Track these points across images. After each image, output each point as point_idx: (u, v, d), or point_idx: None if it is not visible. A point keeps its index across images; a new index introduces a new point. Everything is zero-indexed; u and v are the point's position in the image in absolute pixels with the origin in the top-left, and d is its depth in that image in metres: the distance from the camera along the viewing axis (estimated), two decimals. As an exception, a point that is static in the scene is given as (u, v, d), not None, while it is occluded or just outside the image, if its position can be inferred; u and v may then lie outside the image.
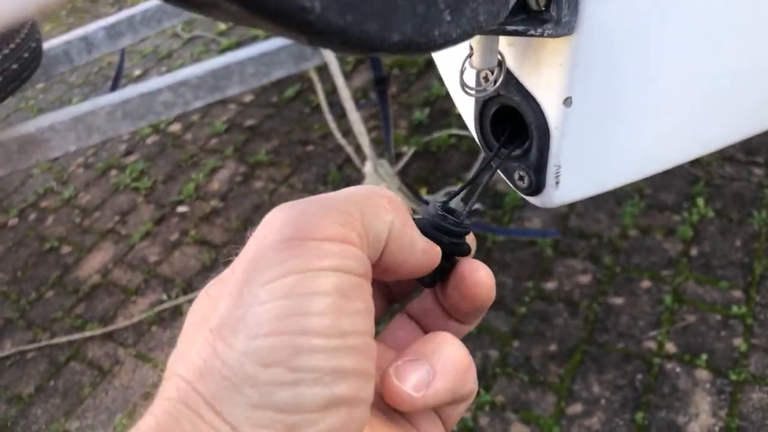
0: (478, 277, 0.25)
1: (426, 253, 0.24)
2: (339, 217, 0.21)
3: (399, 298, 0.29)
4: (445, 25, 0.18)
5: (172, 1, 0.15)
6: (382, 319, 0.28)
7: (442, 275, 0.26)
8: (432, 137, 1.74)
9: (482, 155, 0.30)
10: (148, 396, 1.31)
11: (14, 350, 1.49)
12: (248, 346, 0.19)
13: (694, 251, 1.30)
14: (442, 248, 0.25)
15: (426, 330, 0.28)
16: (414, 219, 0.25)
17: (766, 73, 0.33)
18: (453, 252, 0.26)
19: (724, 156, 1.48)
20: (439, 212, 0.26)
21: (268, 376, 0.18)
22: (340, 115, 1.68)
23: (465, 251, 0.26)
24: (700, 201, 1.38)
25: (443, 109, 1.82)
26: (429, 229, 0.25)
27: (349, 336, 0.19)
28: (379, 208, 0.22)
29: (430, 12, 0.18)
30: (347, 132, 1.59)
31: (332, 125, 1.42)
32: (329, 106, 1.47)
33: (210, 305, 0.21)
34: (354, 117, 1.34)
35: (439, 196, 1.55)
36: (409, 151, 1.71)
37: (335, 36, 0.15)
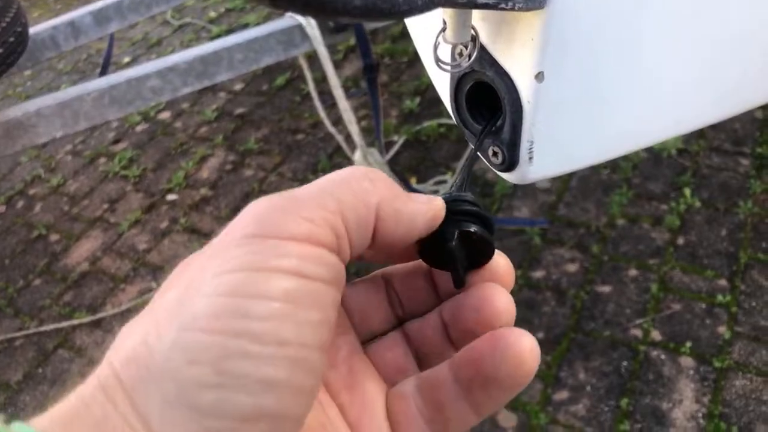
0: (496, 302, 0.23)
1: (428, 208, 0.22)
2: (311, 212, 0.19)
3: (411, 314, 0.26)
4: (409, -9, 0.18)
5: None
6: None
7: (471, 266, 0.24)
8: (422, 126, 1.74)
9: (469, 150, 0.30)
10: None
11: (2, 338, 1.48)
12: (179, 338, 0.18)
13: (680, 240, 1.31)
14: (469, 236, 0.23)
15: (420, 358, 0.26)
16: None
17: (744, 52, 0.33)
18: (483, 236, 0.24)
19: (711, 146, 1.49)
20: (452, 199, 0.24)
21: (192, 373, 0.17)
22: (330, 104, 1.67)
23: (491, 233, 0.24)
24: (687, 191, 1.39)
25: (433, 98, 1.82)
26: (452, 217, 0.24)
27: (290, 346, 0.18)
28: (361, 193, 0.21)
29: (392, -23, 0.18)
30: (337, 121, 1.59)
31: (322, 114, 1.41)
32: (319, 95, 1.46)
33: (161, 293, 0.21)
34: (343, 105, 1.34)
35: (429, 185, 1.55)
36: (399, 140, 1.71)
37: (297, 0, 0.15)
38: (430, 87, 1.87)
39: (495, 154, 0.30)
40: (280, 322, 0.18)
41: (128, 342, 0.19)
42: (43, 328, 1.48)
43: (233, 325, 0.17)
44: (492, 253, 0.24)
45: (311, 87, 1.44)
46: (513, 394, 0.22)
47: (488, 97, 0.30)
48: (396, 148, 1.69)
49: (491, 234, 0.24)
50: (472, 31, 0.28)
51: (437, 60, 0.28)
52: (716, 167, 1.44)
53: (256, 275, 0.18)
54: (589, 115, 0.29)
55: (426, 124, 1.74)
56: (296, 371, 0.18)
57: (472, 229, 0.23)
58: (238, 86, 2.11)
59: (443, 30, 0.27)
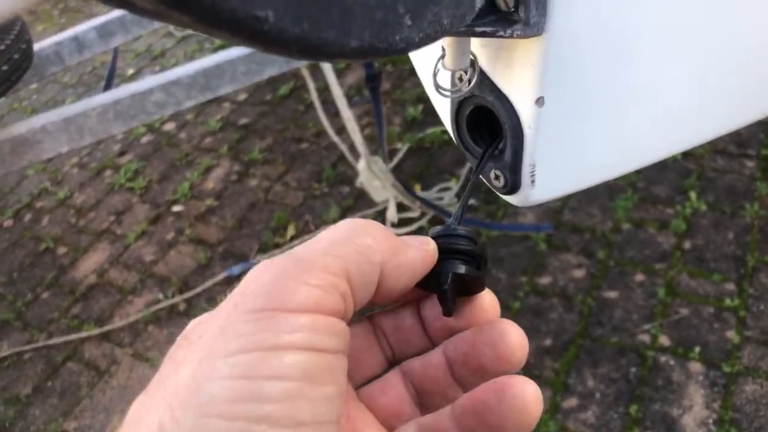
0: (509, 337, 0.23)
1: (424, 254, 0.23)
2: (318, 277, 0.19)
3: (401, 355, 0.26)
4: (406, 30, 0.19)
5: (128, 8, 0.15)
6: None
7: (460, 294, 0.25)
8: (425, 133, 1.74)
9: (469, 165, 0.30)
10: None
11: (11, 351, 1.49)
12: (197, 425, 0.17)
13: (687, 244, 1.30)
14: (462, 277, 0.24)
15: (421, 396, 0.25)
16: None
17: (744, 68, 0.33)
18: (462, 252, 0.25)
19: (716, 149, 1.48)
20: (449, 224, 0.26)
21: None
22: (334, 113, 1.68)
23: (472, 253, 0.25)
24: (693, 194, 1.39)
25: (437, 105, 1.82)
26: (446, 255, 0.25)
27: (307, 426, 0.18)
28: (365, 251, 0.21)
29: (388, 18, 0.18)
30: (341, 129, 1.59)
31: (326, 123, 1.42)
32: (323, 104, 1.47)
33: (172, 370, 0.20)
34: (347, 115, 1.34)
35: (433, 192, 1.55)
36: (402, 147, 1.71)
37: (291, 45, 0.16)
38: (432, 94, 1.87)
39: (497, 177, 0.30)
40: (296, 401, 0.18)
41: (143, 428, 0.19)
42: (51, 341, 1.49)
43: (251, 409, 0.17)
44: (482, 287, 0.25)
45: (314, 96, 1.45)
46: None
47: (489, 120, 0.30)
48: (400, 155, 1.69)
49: (485, 266, 0.25)
50: (471, 57, 0.28)
51: (437, 86, 0.28)
52: (721, 170, 1.44)
53: (267, 354, 0.18)
54: (591, 137, 0.29)
55: (429, 131, 1.74)
56: None
57: (463, 272, 0.24)
58: (241, 96, 2.12)
59: (442, 57, 0.27)
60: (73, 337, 1.47)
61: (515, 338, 0.24)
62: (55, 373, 1.42)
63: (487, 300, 0.25)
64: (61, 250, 1.75)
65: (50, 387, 1.40)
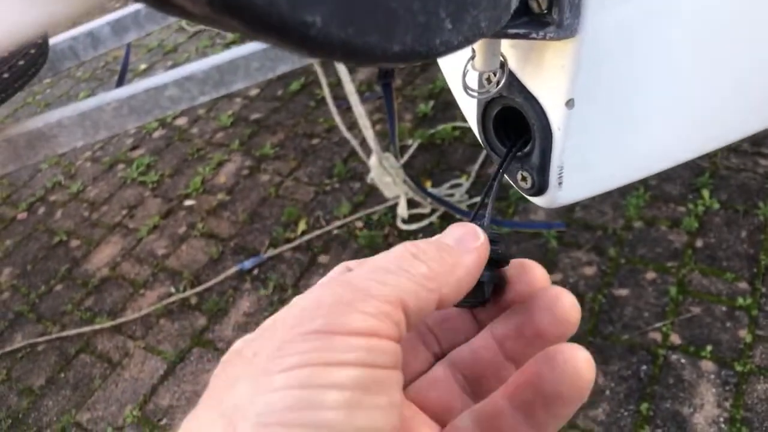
0: (563, 300, 0.24)
1: (476, 257, 0.23)
2: (373, 306, 0.20)
3: (448, 347, 0.27)
4: (446, 34, 0.19)
5: (177, 13, 0.15)
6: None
7: (490, 290, 0.25)
8: (436, 130, 1.74)
9: (484, 153, 0.31)
10: (155, 389, 1.33)
11: (25, 343, 1.51)
12: None
13: (699, 243, 1.30)
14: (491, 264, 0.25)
15: (473, 385, 0.26)
16: None
17: (763, 73, 0.33)
18: (496, 259, 0.25)
19: (730, 147, 1.47)
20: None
21: None
22: (346, 108, 1.68)
23: (506, 256, 0.26)
24: (706, 192, 1.38)
25: (447, 102, 1.82)
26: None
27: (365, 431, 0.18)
28: (420, 281, 0.21)
29: (431, 21, 0.18)
30: (353, 125, 1.59)
31: (337, 119, 1.42)
32: (334, 100, 1.47)
33: (225, 386, 0.20)
34: (359, 110, 1.34)
35: (444, 189, 1.55)
36: (413, 143, 1.71)
37: (337, 49, 0.16)
38: (443, 90, 1.87)
39: (524, 179, 0.30)
40: (352, 410, 0.18)
41: None
42: (65, 333, 1.50)
43: (308, 417, 0.18)
44: (505, 284, 0.26)
45: (326, 92, 1.45)
46: (575, 408, 0.23)
47: (515, 119, 0.30)
48: (410, 151, 1.69)
49: (507, 263, 0.26)
50: (501, 58, 0.28)
51: (466, 87, 0.28)
52: (735, 168, 1.43)
53: (324, 369, 0.19)
54: (619, 139, 0.29)
55: (440, 127, 1.74)
56: None
57: (502, 278, 0.26)
58: (253, 92, 2.12)
59: (472, 58, 0.27)
60: (86, 329, 1.49)
61: (569, 300, 0.24)
62: (68, 364, 1.44)
63: (539, 272, 0.26)
64: (74, 243, 1.76)
65: (63, 378, 1.41)
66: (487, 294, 0.25)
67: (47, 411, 1.36)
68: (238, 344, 0.22)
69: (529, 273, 0.26)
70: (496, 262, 0.25)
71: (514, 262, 0.26)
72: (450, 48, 0.19)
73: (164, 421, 1.26)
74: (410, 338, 0.26)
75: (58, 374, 1.43)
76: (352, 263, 0.25)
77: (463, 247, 0.23)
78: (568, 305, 0.24)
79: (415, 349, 0.26)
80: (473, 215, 0.28)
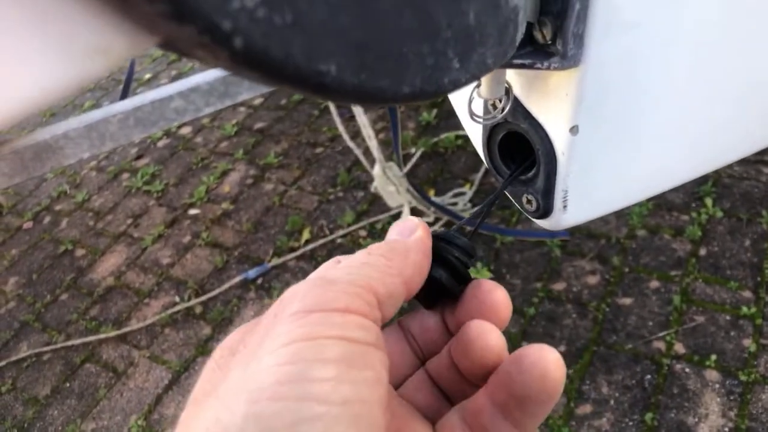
0: (494, 295, 0.26)
1: (420, 251, 0.25)
2: (345, 288, 0.22)
3: (429, 354, 0.28)
4: (454, 73, 0.19)
5: (201, 62, 0.16)
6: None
7: (445, 294, 0.27)
8: (440, 138, 1.74)
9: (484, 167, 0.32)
10: (160, 399, 1.33)
11: (30, 352, 1.51)
12: (249, 411, 0.19)
13: (702, 251, 1.30)
14: (450, 266, 0.26)
15: (443, 393, 0.27)
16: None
17: (761, 96, 0.33)
18: (459, 267, 0.27)
19: (733, 156, 1.47)
20: (451, 232, 0.27)
21: None
22: (349, 117, 1.69)
23: (464, 268, 0.27)
24: (709, 201, 1.38)
25: (450, 110, 1.83)
26: (437, 241, 0.27)
27: (353, 404, 0.19)
28: (383, 268, 0.23)
29: (439, 62, 0.19)
30: (356, 134, 1.60)
31: (341, 128, 1.43)
32: (337, 109, 1.48)
33: (219, 375, 0.22)
34: (362, 120, 1.35)
35: (447, 198, 1.56)
36: (417, 152, 1.72)
37: (350, 94, 0.16)
38: (446, 99, 1.87)
39: (529, 201, 0.30)
40: (339, 383, 0.19)
41: (201, 424, 0.20)
42: (70, 343, 1.51)
43: (298, 390, 0.19)
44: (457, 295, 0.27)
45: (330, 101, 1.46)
46: (549, 407, 0.23)
47: (520, 143, 0.31)
48: (414, 160, 1.70)
49: (468, 264, 0.27)
50: (506, 85, 0.28)
51: (471, 114, 0.29)
52: (738, 176, 1.43)
53: (309, 344, 0.20)
54: (623, 163, 0.30)
55: (443, 136, 1.74)
56: (362, 427, 0.19)
57: (443, 280, 0.27)
58: (257, 101, 2.14)
59: (477, 86, 0.28)
60: (91, 338, 1.50)
61: (491, 338, 0.25)
62: (73, 374, 1.44)
63: (498, 295, 0.27)
64: (80, 252, 1.77)
65: (68, 388, 1.42)
66: (454, 289, 0.26)
67: (52, 421, 1.36)
68: (231, 338, 0.23)
69: (480, 292, 0.27)
70: (458, 268, 0.27)
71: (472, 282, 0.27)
72: (458, 85, 0.20)
73: (169, 431, 1.27)
74: (398, 342, 0.28)
75: (64, 384, 1.43)
76: (341, 257, 0.26)
77: (405, 235, 0.26)
78: (492, 341, 0.25)
79: (402, 353, 0.28)
80: (472, 232, 0.29)
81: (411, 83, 0.18)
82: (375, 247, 0.25)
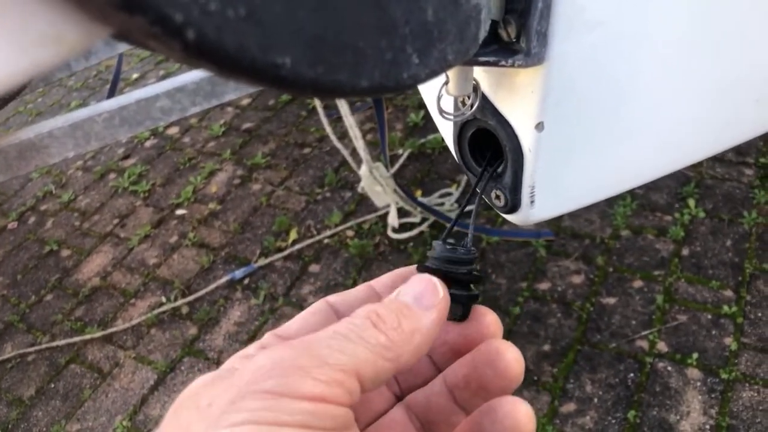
0: (506, 355, 0.25)
1: (434, 319, 0.23)
2: (325, 374, 0.20)
3: (408, 388, 0.27)
4: (413, 68, 0.20)
5: (157, 52, 0.16)
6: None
7: (465, 310, 0.26)
8: (427, 139, 1.75)
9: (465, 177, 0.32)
10: (146, 400, 1.33)
11: (14, 353, 1.50)
12: None
13: (685, 251, 1.31)
14: (459, 280, 0.26)
15: (427, 428, 0.26)
16: (423, 266, 0.26)
17: (737, 90, 0.34)
18: (470, 281, 0.26)
19: (715, 157, 1.49)
20: (448, 247, 0.27)
21: None
22: (336, 118, 1.69)
23: (480, 277, 0.27)
24: (692, 201, 1.40)
25: (438, 111, 1.84)
26: (442, 265, 0.26)
27: None
28: (378, 351, 0.22)
29: (398, 57, 0.19)
30: (343, 135, 1.61)
31: (328, 128, 1.43)
32: (325, 109, 1.48)
33: (180, 429, 0.21)
34: (349, 121, 1.35)
35: (434, 198, 1.57)
36: (404, 153, 1.73)
37: (308, 87, 0.17)
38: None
39: (498, 197, 0.31)
40: None
41: None
42: (55, 343, 1.50)
43: None
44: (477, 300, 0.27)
45: (317, 102, 1.46)
46: None
47: (491, 140, 0.32)
48: (401, 161, 1.71)
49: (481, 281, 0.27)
50: (474, 82, 0.29)
51: (441, 111, 0.29)
52: (720, 177, 1.45)
53: (268, 428, 0.19)
54: (588, 159, 0.31)
55: (431, 137, 1.75)
56: None
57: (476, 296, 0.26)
58: (245, 101, 2.13)
59: (446, 83, 0.28)
60: (76, 339, 1.49)
61: (511, 354, 0.25)
62: (58, 375, 1.44)
63: (489, 318, 0.27)
64: (65, 252, 1.76)
65: (53, 389, 1.41)
66: (464, 313, 0.26)
67: (37, 422, 1.35)
68: (196, 386, 0.23)
69: (480, 319, 0.26)
70: (472, 281, 0.26)
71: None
72: (418, 80, 0.20)
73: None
74: None
75: (48, 384, 1.42)
76: (332, 298, 0.25)
77: (423, 306, 0.23)
78: (510, 360, 0.25)
79: (377, 390, 0.27)
80: (446, 232, 0.29)
81: (369, 77, 0.18)
82: (382, 317, 0.22)
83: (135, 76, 2.47)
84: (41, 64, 0.13)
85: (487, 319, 0.26)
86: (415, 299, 0.24)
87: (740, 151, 1.49)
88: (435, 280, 0.24)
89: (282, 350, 0.21)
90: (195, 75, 1.19)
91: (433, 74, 0.21)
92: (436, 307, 0.24)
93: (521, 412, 0.23)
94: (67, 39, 0.13)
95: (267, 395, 0.20)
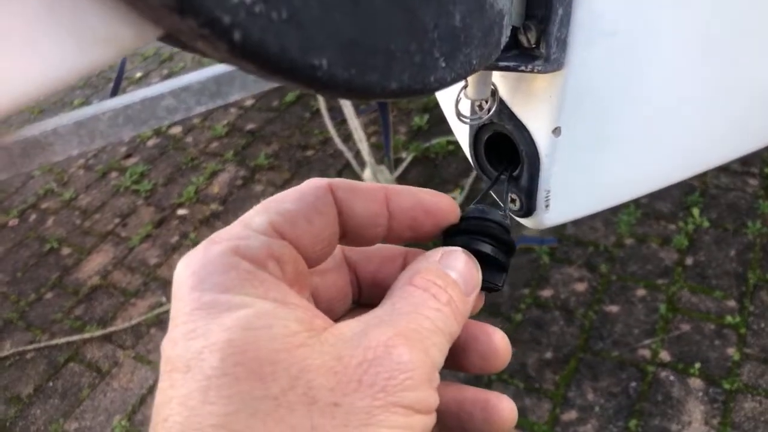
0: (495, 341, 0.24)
1: (471, 303, 0.23)
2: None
3: (368, 299, 0.26)
4: (440, 71, 0.20)
5: (198, 53, 0.16)
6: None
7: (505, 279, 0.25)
8: (431, 143, 1.75)
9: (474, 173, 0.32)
10: (144, 399, 1.32)
11: (13, 351, 1.50)
12: None
13: (689, 260, 1.31)
14: (505, 247, 0.25)
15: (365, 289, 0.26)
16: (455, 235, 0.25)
17: (747, 101, 0.34)
18: (510, 249, 0.25)
19: (720, 166, 1.49)
20: (487, 210, 0.26)
21: None
22: (340, 120, 1.69)
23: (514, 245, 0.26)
24: (696, 211, 1.40)
25: (442, 115, 1.83)
26: (490, 230, 0.25)
27: None
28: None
29: (426, 61, 0.19)
30: (347, 137, 1.61)
31: (332, 130, 1.43)
32: (329, 111, 1.48)
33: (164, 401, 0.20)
34: (354, 123, 1.35)
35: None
36: (408, 156, 1.73)
37: (341, 88, 0.17)
38: (438, 104, 1.88)
39: (513, 201, 0.31)
40: None
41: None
42: (54, 342, 1.49)
43: None
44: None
45: (321, 104, 1.46)
46: None
47: (506, 144, 0.31)
48: (405, 165, 1.70)
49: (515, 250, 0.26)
50: (492, 87, 0.29)
51: (459, 114, 0.29)
52: (724, 187, 1.45)
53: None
54: (604, 165, 0.30)
55: (435, 141, 1.75)
56: None
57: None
58: (248, 102, 2.14)
59: (465, 87, 0.28)
60: (76, 338, 1.48)
61: (505, 409, 0.24)
62: (57, 373, 1.43)
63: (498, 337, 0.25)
64: (66, 250, 1.76)
65: (51, 387, 1.41)
66: (502, 282, 0.25)
67: (35, 420, 1.35)
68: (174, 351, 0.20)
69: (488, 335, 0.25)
70: (510, 250, 0.25)
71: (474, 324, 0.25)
72: (444, 84, 0.20)
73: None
74: (338, 270, 0.26)
75: (47, 383, 1.42)
76: (336, 184, 0.25)
77: (469, 292, 0.23)
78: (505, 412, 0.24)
79: (343, 280, 0.26)
80: (479, 197, 0.28)
81: (399, 80, 0.18)
82: (460, 308, 0.22)
83: (139, 74, 2.47)
84: (96, 63, 0.13)
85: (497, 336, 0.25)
86: (463, 280, 0.22)
87: (745, 161, 1.49)
88: (474, 262, 0.23)
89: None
90: (200, 74, 1.19)
91: (458, 78, 0.21)
92: (474, 294, 0.23)
93: (505, 408, 0.23)
94: (121, 39, 0.13)
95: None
